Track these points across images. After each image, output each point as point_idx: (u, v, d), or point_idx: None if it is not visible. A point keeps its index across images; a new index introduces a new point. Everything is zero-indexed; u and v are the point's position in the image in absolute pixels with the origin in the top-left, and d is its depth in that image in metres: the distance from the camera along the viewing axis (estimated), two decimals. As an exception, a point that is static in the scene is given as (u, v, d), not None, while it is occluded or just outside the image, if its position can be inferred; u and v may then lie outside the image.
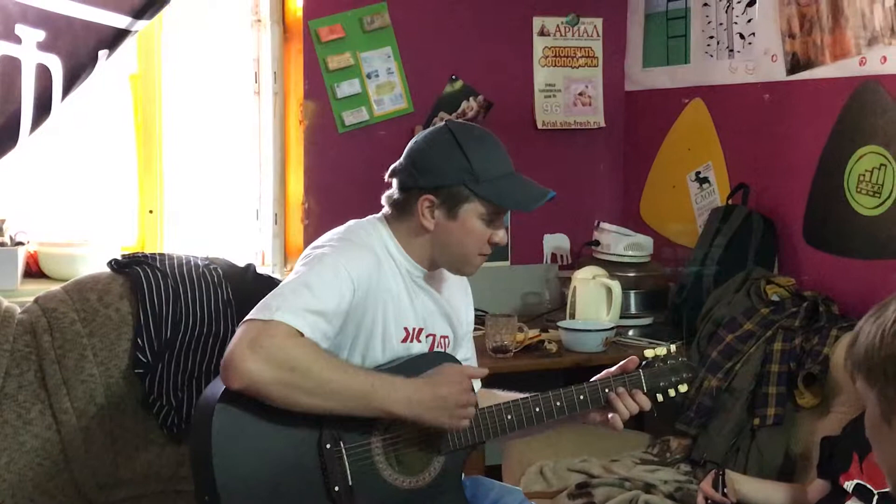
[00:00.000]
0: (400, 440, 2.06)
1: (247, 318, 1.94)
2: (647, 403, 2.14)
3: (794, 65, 3.24)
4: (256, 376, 1.87)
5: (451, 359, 2.17)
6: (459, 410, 2.02)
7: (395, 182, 2.15)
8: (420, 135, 2.17)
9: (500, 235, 2.12)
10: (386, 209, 2.17)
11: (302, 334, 1.92)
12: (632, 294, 3.51)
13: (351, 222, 2.18)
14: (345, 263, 2.02)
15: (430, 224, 2.09)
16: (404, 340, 2.13)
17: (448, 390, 2.01)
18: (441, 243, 2.11)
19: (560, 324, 3.31)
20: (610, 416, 2.14)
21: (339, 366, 1.98)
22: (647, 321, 3.50)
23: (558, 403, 2.13)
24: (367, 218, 2.19)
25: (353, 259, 2.04)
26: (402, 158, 2.15)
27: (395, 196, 2.14)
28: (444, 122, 2.17)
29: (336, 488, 1.99)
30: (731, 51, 3.50)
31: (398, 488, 2.06)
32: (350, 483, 2.00)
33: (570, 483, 2.85)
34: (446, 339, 2.22)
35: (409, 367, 2.08)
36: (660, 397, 2.20)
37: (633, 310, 3.52)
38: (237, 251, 3.51)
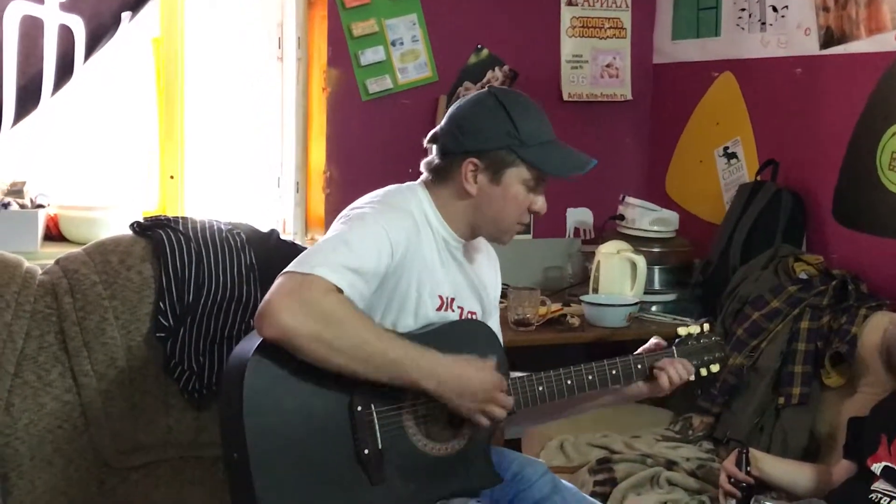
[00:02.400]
0: (431, 407, 2.04)
1: (285, 270, 1.92)
2: (689, 371, 2.16)
3: (828, 39, 3.18)
4: (291, 327, 1.85)
5: (484, 326, 2.16)
6: (486, 407, 1.99)
7: (435, 147, 2.12)
8: (462, 99, 2.15)
9: (540, 203, 2.11)
10: (425, 175, 2.14)
11: (340, 291, 1.90)
12: (656, 269, 3.48)
13: (390, 187, 2.16)
14: (385, 224, 2.00)
15: (473, 189, 2.07)
16: (439, 309, 2.11)
17: (479, 386, 1.98)
18: (482, 209, 2.09)
19: (583, 298, 3.28)
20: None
21: (374, 329, 1.96)
22: (671, 297, 3.47)
23: (590, 377, 2.12)
24: (407, 183, 2.16)
25: (393, 221, 2.02)
26: (443, 123, 2.12)
27: (437, 161, 2.11)
28: (486, 88, 2.14)
29: (365, 451, 1.97)
30: (764, 24, 3.44)
31: (427, 454, 2.04)
32: (379, 447, 1.98)
33: (591, 458, 2.83)
34: (474, 315, 2.20)
35: (441, 334, 2.06)
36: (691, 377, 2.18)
37: (657, 285, 3.49)
38: (258, 219, 3.47)
